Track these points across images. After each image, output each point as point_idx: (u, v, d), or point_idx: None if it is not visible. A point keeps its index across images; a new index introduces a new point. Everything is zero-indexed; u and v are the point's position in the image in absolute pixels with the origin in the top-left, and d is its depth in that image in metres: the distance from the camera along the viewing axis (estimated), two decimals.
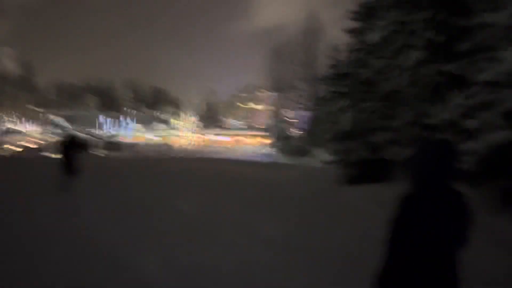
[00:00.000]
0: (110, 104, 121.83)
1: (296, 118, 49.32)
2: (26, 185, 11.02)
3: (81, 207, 8.25)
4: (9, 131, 75.48)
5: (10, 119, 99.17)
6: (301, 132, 44.73)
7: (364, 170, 12.86)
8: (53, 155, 54.23)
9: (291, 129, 48.23)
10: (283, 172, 19.18)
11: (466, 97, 7.40)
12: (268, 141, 64.30)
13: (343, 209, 9.82)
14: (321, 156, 30.22)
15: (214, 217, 8.18)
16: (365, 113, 12.67)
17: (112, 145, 69.03)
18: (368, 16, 12.06)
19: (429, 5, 8.64)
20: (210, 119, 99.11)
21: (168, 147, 71.17)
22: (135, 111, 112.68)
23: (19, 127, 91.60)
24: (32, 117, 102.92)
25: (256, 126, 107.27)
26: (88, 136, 64.29)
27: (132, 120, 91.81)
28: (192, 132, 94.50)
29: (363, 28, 12.61)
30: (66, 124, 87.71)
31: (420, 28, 8.85)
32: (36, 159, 26.49)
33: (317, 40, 37.10)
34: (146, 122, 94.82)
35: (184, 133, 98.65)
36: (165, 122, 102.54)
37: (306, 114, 45.15)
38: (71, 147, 10.04)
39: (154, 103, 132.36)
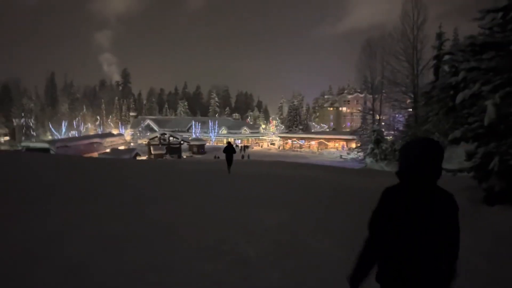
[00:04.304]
0: (198, 109, 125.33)
1: (391, 119, 44.12)
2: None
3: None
4: (107, 134, 79.92)
5: (108, 122, 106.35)
6: (397, 135, 39.48)
7: None
8: (141, 157, 55.61)
9: (384, 131, 43.05)
10: (385, 181, 15.33)
11: None
12: (354, 145, 59.74)
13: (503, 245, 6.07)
14: None
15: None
16: None
17: (198, 148, 69.48)
18: None
19: None
20: (295, 122, 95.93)
21: (248, 150, 69.76)
22: (222, 115, 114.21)
23: (114, 130, 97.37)
24: (125, 121, 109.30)
25: (342, 129, 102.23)
26: (176, 140, 65.06)
27: (219, 124, 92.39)
28: (277, 136, 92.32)
29: None
30: (156, 127, 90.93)
31: None
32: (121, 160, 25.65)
33: (421, 31, 31.84)
34: (232, 126, 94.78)
35: (269, 137, 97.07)
36: (251, 126, 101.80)
37: (404, 114, 39.93)
38: (229, 149, 16.48)
39: (241, 108, 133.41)
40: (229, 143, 17.15)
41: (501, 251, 6.00)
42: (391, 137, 42.77)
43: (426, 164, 2.03)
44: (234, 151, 16.62)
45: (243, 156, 55.02)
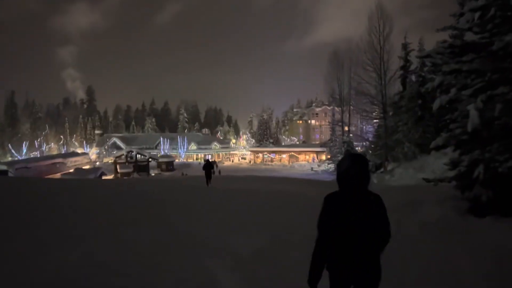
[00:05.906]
0: (167, 125, 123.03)
1: (360, 130, 44.31)
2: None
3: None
4: (70, 154, 76.60)
5: (72, 141, 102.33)
6: (368, 145, 39.52)
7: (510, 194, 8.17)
8: (107, 176, 53.18)
9: (354, 142, 43.05)
10: None
11: None
12: (324, 157, 59.70)
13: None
14: (403, 172, 25.16)
15: None
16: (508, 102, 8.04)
17: (166, 165, 67.59)
18: None
19: None
20: (265, 136, 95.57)
21: (218, 165, 68.42)
22: (191, 131, 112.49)
23: (78, 149, 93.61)
24: (91, 139, 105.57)
25: (312, 141, 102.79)
26: (143, 157, 63.14)
27: (188, 139, 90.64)
28: (248, 150, 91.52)
29: None
30: (123, 145, 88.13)
31: None
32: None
33: (387, 42, 31.98)
34: (202, 141, 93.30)
35: (240, 151, 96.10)
36: (221, 140, 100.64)
37: (373, 124, 40.13)
38: (208, 165, 18.93)
39: (210, 123, 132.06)
40: (207, 160, 19.85)
41: (504, 272, 5.28)
42: (361, 148, 42.84)
43: (354, 173, 2.53)
44: (212, 167, 19.53)
45: (213, 172, 53.78)
